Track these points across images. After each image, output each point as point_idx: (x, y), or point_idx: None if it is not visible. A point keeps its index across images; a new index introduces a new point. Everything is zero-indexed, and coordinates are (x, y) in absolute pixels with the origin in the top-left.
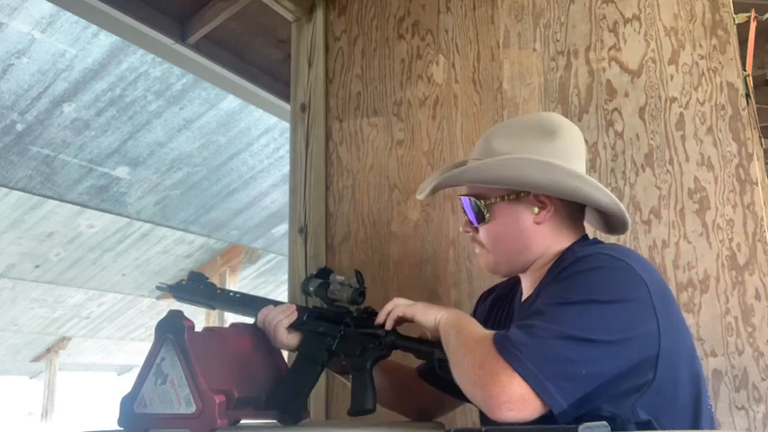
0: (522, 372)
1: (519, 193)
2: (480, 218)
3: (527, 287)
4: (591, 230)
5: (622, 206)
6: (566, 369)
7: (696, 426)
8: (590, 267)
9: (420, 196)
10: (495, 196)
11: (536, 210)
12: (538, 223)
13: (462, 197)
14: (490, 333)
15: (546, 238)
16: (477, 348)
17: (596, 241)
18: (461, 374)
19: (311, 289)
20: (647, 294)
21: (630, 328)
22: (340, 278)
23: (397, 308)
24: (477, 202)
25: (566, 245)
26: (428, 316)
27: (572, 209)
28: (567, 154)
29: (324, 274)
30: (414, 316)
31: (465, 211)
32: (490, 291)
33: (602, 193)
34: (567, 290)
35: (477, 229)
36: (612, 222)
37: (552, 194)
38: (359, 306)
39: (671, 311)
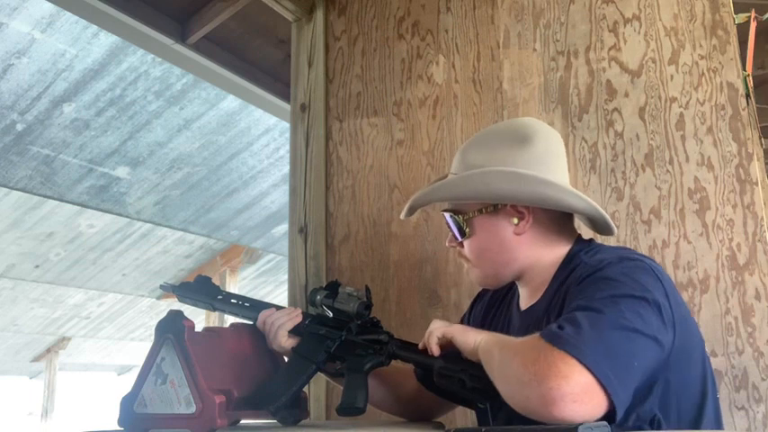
0: (584, 360)
1: (496, 206)
2: (462, 233)
3: (527, 296)
4: (589, 231)
5: (601, 210)
6: (623, 360)
7: (698, 424)
8: (617, 268)
9: (402, 216)
10: (472, 210)
11: (515, 220)
12: (518, 234)
13: (444, 212)
14: (536, 333)
15: (532, 248)
16: (526, 348)
17: (592, 242)
18: (509, 380)
19: (318, 298)
20: (666, 299)
21: (659, 330)
22: (349, 290)
23: (436, 330)
24: (456, 218)
25: (562, 250)
26: (467, 337)
27: (556, 215)
28: (543, 160)
29: (332, 286)
30: (453, 337)
31: (449, 227)
32: (486, 290)
33: (576, 198)
34: (602, 288)
35: (462, 244)
36: (598, 225)
37: (526, 204)
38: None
39: (683, 312)
